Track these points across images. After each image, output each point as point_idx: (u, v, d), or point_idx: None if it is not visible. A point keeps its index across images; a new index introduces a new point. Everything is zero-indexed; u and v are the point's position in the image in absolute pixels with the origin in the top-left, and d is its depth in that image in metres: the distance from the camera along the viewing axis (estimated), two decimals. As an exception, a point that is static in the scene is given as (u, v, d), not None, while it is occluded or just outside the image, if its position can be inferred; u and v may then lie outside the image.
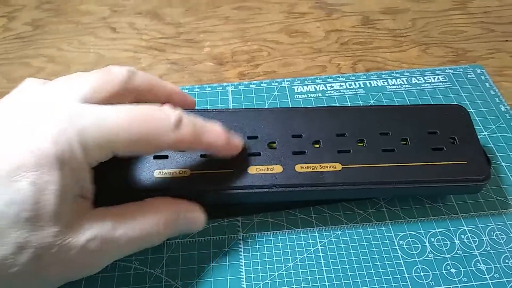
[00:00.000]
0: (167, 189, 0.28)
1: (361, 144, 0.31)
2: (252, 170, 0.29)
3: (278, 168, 0.29)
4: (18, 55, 0.47)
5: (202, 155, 0.30)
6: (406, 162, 0.30)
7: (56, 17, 0.52)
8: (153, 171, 0.29)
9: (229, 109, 0.32)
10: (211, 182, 0.29)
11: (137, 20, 0.51)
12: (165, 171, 0.29)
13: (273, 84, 0.42)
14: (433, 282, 0.29)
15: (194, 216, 0.28)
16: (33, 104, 0.24)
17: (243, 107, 0.34)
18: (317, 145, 0.31)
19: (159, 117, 0.25)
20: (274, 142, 0.31)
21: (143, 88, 0.28)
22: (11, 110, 0.24)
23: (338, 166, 0.30)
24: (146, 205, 0.26)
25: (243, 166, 0.29)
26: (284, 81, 0.42)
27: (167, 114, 0.25)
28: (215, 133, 0.27)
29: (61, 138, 0.22)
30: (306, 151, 0.30)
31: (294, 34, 0.49)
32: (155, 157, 0.29)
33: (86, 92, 0.25)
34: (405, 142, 0.31)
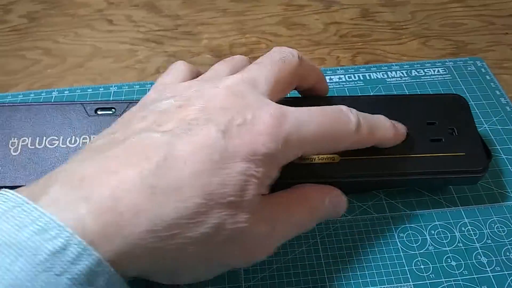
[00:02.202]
0: None
1: None
2: None
3: None
4: (13, 48, 0.46)
5: None
6: (405, 153, 0.30)
7: (52, 9, 0.51)
8: None
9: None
10: None
11: (134, 13, 0.50)
12: None
13: (271, 76, 0.42)
14: (433, 275, 0.29)
15: (339, 201, 0.28)
16: (231, 96, 0.25)
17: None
18: None
19: (345, 121, 0.26)
20: None
21: (306, 74, 0.29)
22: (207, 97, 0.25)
23: (337, 158, 0.29)
24: (297, 192, 0.27)
25: None
26: (282, 74, 0.42)
27: (349, 117, 0.26)
28: (385, 127, 0.28)
29: (272, 138, 0.23)
30: None
31: (293, 26, 0.48)
32: None
33: (271, 86, 0.26)
34: None
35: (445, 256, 0.30)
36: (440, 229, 0.31)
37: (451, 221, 0.31)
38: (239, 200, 0.22)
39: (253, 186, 0.23)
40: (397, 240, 0.30)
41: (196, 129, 0.23)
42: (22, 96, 0.40)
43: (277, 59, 0.27)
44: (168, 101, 0.25)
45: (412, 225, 0.31)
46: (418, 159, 0.30)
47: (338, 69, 0.42)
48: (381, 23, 0.48)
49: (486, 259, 0.29)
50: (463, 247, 0.30)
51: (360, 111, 0.31)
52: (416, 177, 0.30)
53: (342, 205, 0.28)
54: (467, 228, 0.31)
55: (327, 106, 0.26)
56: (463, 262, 0.29)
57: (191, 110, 0.24)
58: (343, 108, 0.26)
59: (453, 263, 0.29)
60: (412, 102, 0.33)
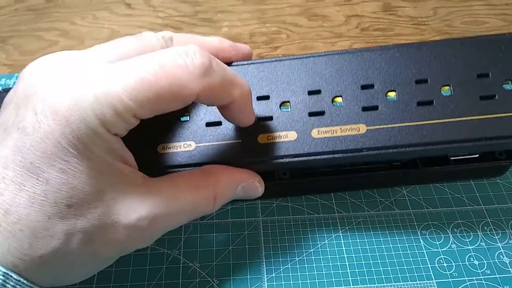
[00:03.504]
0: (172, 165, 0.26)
1: (393, 96, 0.26)
2: (262, 139, 0.26)
3: (292, 135, 0.26)
4: (31, 28, 0.46)
5: (207, 124, 0.26)
6: (447, 117, 0.25)
7: (70, -10, 0.50)
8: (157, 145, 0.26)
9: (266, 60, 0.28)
10: (218, 154, 0.26)
11: (153, -3, 0.50)
12: (169, 145, 0.26)
13: (292, 67, 0.41)
14: (456, 273, 0.28)
15: (253, 186, 0.26)
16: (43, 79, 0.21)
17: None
18: (339, 100, 0.26)
19: (180, 65, 0.20)
20: (288, 102, 0.26)
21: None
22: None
23: (362, 128, 0.25)
24: (205, 175, 0.24)
25: (254, 134, 0.26)
26: (303, 65, 0.41)
27: (190, 57, 0.20)
28: (245, 87, 0.23)
29: (73, 117, 0.19)
30: (325, 110, 0.26)
31: (314, 17, 0.48)
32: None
33: (111, 60, 0.21)
34: (447, 90, 0.26)
35: (468, 255, 0.29)
36: (462, 228, 0.31)
37: (474, 219, 0.31)
38: (76, 200, 0.20)
39: (86, 176, 0.20)
40: (419, 237, 0.30)
41: (8, 135, 0.20)
42: (40, 77, 0.40)
43: (134, 35, 0.24)
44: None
45: (434, 222, 0.31)
46: (463, 124, 0.25)
47: (359, 63, 0.42)
48: (403, 18, 0.48)
49: (509, 259, 0.29)
50: (485, 246, 0.30)
51: (395, 66, 0.26)
52: (460, 145, 0.25)
53: (256, 191, 0.26)
54: (489, 228, 0.31)
55: (161, 51, 0.21)
56: (485, 262, 0.29)
57: (8, 111, 0.21)
58: (188, 48, 0.21)
59: (476, 262, 0.29)
60: (459, 48, 0.26)
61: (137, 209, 0.21)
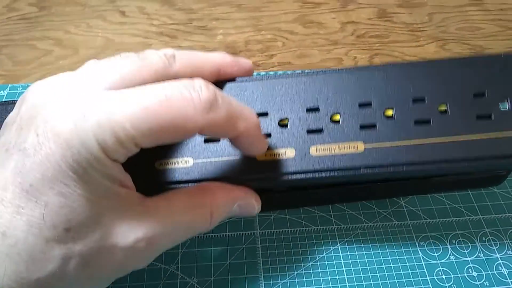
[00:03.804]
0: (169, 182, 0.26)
1: (390, 115, 0.26)
2: (260, 156, 0.25)
3: (290, 152, 0.25)
4: (24, 37, 0.45)
5: (206, 140, 0.26)
6: (444, 136, 0.25)
7: (63, -2, 0.50)
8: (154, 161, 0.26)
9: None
10: (216, 171, 0.26)
11: (147, 5, 0.49)
12: (167, 161, 0.26)
13: (288, 76, 0.41)
14: (455, 285, 0.28)
15: (250, 204, 0.26)
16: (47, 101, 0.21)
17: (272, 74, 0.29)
18: (337, 118, 0.26)
19: (186, 99, 0.20)
20: (287, 119, 0.26)
21: (184, 72, 0.24)
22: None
23: (360, 146, 0.25)
24: (201, 192, 0.24)
25: None
26: (300, 73, 0.41)
27: (196, 92, 0.20)
28: (251, 120, 0.23)
29: (75, 141, 0.19)
30: (323, 128, 0.26)
31: (309, 24, 0.47)
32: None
33: (114, 80, 0.21)
34: (443, 110, 0.26)
35: (466, 266, 0.29)
36: (461, 239, 0.31)
37: (472, 230, 0.31)
38: (74, 224, 0.20)
39: (84, 200, 0.20)
40: (418, 249, 0.30)
41: (9, 156, 0.20)
42: (33, 88, 0.39)
43: (136, 54, 0.23)
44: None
45: (433, 233, 0.31)
46: (460, 143, 0.25)
47: (356, 71, 0.42)
48: (398, 24, 0.47)
49: (507, 270, 0.29)
50: (483, 258, 0.30)
51: (392, 85, 0.26)
52: (457, 164, 0.25)
53: (253, 209, 0.26)
54: (487, 238, 0.31)
55: (167, 82, 0.21)
56: (484, 273, 0.29)
57: (11, 132, 0.21)
58: (195, 82, 0.21)
59: (474, 274, 0.29)
60: (455, 69, 0.27)
61: (134, 231, 0.21)
